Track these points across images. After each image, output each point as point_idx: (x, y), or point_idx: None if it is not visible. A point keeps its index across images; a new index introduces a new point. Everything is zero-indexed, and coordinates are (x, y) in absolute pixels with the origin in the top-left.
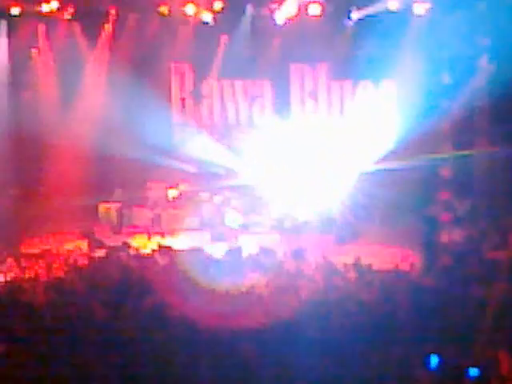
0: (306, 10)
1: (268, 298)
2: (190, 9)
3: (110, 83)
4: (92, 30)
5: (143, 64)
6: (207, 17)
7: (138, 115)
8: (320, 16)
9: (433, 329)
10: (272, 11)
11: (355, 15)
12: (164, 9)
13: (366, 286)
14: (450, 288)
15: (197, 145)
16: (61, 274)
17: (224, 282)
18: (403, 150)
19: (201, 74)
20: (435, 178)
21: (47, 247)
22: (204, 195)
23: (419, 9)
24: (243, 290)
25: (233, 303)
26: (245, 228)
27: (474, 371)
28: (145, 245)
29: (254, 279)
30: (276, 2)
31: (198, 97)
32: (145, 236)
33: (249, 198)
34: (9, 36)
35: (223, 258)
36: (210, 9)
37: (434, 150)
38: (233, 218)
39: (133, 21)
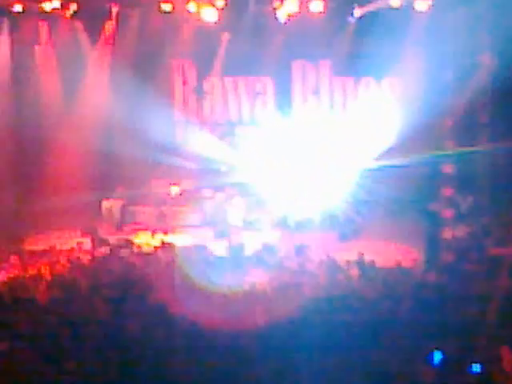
0: (308, 7)
1: (270, 295)
2: (192, 6)
3: (113, 81)
4: (94, 28)
5: (145, 61)
6: (209, 14)
7: (140, 112)
8: (322, 13)
9: (435, 325)
10: (274, 8)
11: (357, 12)
12: (166, 6)
13: (368, 283)
14: (452, 284)
15: (199, 142)
16: (64, 272)
17: (226, 279)
18: (406, 146)
19: (203, 71)
20: (438, 175)
21: (50, 244)
22: (206, 192)
23: (421, 5)
24: (246, 287)
25: (235, 300)
26: (247, 225)
27: (476, 367)
28: (147, 242)
29: (256, 276)
30: None
31: (200, 94)
32: (148, 233)
33: (251, 195)
34: (11, 34)
35: (226, 255)
36: (213, 6)
37: (436, 147)
38: (235, 215)
39: (135, 18)
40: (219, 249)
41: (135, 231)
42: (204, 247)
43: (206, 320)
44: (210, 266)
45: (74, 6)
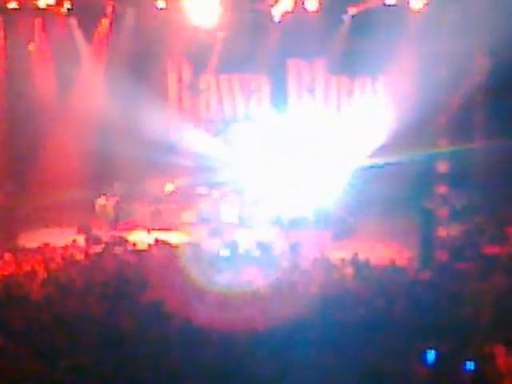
0: (303, 5)
1: (265, 293)
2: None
3: (107, 78)
4: (89, 25)
5: (140, 58)
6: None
7: (135, 110)
8: (317, 11)
9: (429, 323)
10: (269, 6)
11: (352, 10)
12: (161, 3)
13: (363, 282)
14: (446, 283)
15: (194, 139)
16: (58, 269)
17: (221, 277)
18: (400, 144)
19: (198, 68)
20: (432, 172)
21: (44, 242)
22: (201, 190)
23: (416, 3)
24: (240, 285)
25: (230, 298)
26: (242, 223)
27: (470, 365)
28: (142, 240)
29: (250, 274)
30: None
31: (195, 91)
32: (142, 231)
33: (246, 192)
34: (6, 31)
35: (220, 253)
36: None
37: (431, 145)
38: (229, 213)
39: (130, 15)
40: (213, 246)
41: (130, 229)
42: (198, 245)
43: (201, 318)
44: (205, 263)
45: (68, 3)
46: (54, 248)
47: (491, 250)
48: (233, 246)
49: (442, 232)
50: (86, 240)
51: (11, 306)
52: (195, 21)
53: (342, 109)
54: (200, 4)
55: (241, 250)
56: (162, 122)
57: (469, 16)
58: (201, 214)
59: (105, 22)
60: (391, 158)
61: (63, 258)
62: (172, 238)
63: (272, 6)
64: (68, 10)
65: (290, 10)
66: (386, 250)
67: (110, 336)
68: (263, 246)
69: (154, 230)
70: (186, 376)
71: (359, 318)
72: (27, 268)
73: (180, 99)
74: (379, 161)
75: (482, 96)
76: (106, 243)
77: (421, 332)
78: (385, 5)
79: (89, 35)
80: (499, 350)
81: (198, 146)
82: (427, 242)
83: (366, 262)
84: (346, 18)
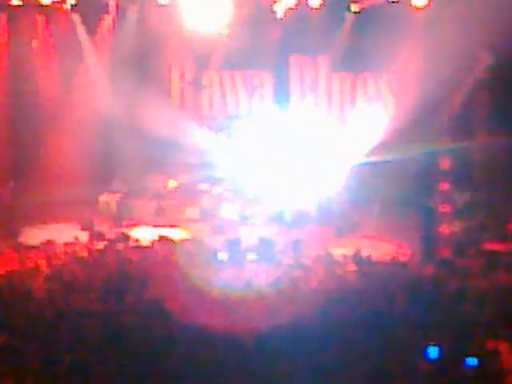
0: (306, 1)
1: (267, 290)
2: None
3: (110, 74)
4: (92, 21)
5: (143, 55)
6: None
7: (138, 106)
8: (320, 7)
9: (432, 320)
10: (274, 2)
11: (355, 7)
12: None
13: (365, 278)
14: (448, 279)
15: (197, 136)
16: (61, 266)
17: (223, 274)
18: (402, 141)
19: (201, 64)
20: (435, 170)
21: (47, 239)
22: (203, 186)
23: (419, 0)
24: (242, 282)
25: (233, 295)
26: (244, 219)
27: (473, 361)
28: (144, 236)
29: (253, 271)
30: None
31: (198, 87)
32: (145, 227)
33: (248, 189)
34: (9, 27)
35: (223, 250)
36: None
37: (433, 142)
38: (232, 210)
39: (133, 11)
40: (216, 243)
41: (133, 225)
42: (201, 241)
43: (204, 316)
44: (207, 260)
45: (71, 0)
46: (57, 245)
47: (493, 246)
48: (235, 243)
49: (444, 229)
50: (90, 236)
51: (14, 302)
52: (197, 22)
53: (344, 105)
54: (202, 3)
55: (243, 247)
56: (165, 119)
57: (471, 13)
58: (203, 211)
59: (108, 18)
60: (393, 155)
61: (66, 255)
62: (175, 234)
63: (275, 2)
64: (71, 6)
65: (292, 6)
66: (388, 247)
67: (112, 333)
68: (266, 243)
69: (156, 226)
70: (189, 374)
71: (361, 314)
72: (30, 265)
73: (183, 95)
74: (381, 158)
75: (485, 93)
76: (109, 240)
77: (423, 328)
78: (388, 1)
79: (92, 32)
80: (502, 347)
81: (201, 142)
82: (429, 239)
83: (368, 259)
84: (348, 14)
